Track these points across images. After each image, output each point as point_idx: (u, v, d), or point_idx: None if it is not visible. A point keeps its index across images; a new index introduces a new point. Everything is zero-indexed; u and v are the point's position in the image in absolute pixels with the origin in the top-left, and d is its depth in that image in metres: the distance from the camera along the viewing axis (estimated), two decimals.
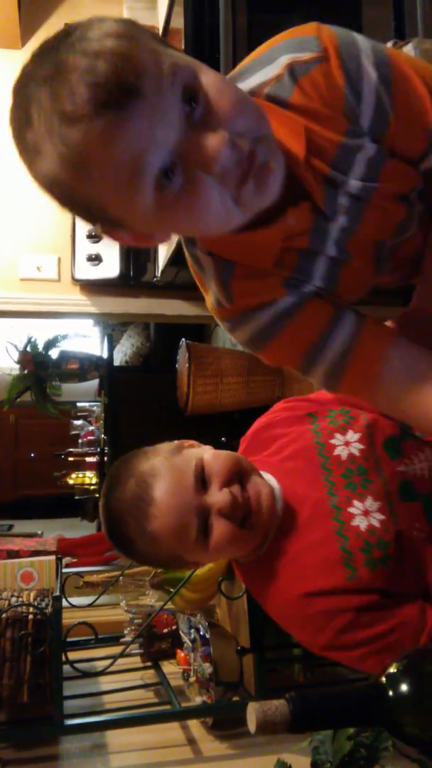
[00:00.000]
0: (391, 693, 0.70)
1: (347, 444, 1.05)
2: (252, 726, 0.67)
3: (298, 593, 0.98)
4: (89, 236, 2.33)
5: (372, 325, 0.88)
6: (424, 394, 0.85)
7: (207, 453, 1.02)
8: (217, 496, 0.97)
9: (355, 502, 1.00)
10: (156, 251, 2.34)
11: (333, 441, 1.06)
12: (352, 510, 0.99)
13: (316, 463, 1.04)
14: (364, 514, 0.99)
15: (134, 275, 2.40)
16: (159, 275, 2.31)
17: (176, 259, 2.10)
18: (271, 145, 0.75)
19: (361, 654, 0.95)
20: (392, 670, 0.72)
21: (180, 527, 0.96)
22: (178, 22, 2.00)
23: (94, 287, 2.45)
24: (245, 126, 0.71)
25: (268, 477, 1.06)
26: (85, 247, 2.34)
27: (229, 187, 0.72)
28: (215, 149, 0.68)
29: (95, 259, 2.34)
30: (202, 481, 0.98)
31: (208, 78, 0.71)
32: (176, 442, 1.06)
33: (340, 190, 0.83)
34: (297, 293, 0.87)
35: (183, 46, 1.86)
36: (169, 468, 0.99)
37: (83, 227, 2.35)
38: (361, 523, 0.98)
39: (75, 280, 2.37)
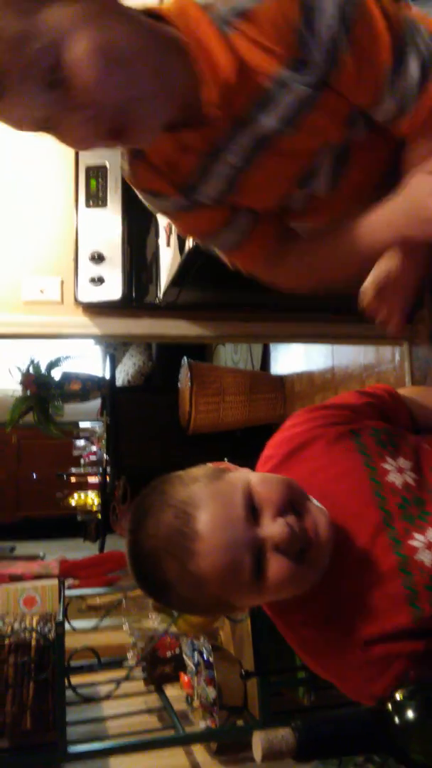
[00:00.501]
0: (396, 720, 0.70)
1: (401, 471, 0.93)
2: (258, 755, 0.66)
3: (355, 639, 0.87)
4: (92, 258, 2.35)
5: (265, 224, 0.96)
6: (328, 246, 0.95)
7: (253, 477, 0.88)
8: (272, 528, 0.83)
9: (416, 535, 0.88)
10: (158, 272, 2.36)
11: (385, 465, 0.93)
12: (413, 543, 0.87)
13: (368, 489, 0.92)
14: (428, 548, 0.87)
15: (137, 297, 2.41)
16: (161, 296, 2.32)
17: (178, 280, 2.11)
18: (146, 106, 0.83)
19: None
20: (398, 696, 0.72)
21: (231, 566, 0.82)
22: None
23: (96, 309, 2.45)
24: (112, 98, 0.79)
25: (315, 502, 0.92)
26: (88, 269, 2.36)
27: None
28: None
29: (98, 281, 2.35)
30: (252, 511, 0.84)
31: (73, 53, 0.77)
32: (211, 465, 0.93)
33: (247, 129, 0.89)
34: (189, 198, 0.98)
35: None
36: (212, 496, 0.85)
37: (86, 249, 2.37)
38: (425, 557, 0.86)
39: (78, 302, 2.38)
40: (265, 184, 0.98)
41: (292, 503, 0.86)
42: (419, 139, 0.94)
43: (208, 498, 0.84)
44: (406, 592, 0.85)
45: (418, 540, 0.88)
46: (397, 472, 0.93)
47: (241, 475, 0.89)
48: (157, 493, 0.88)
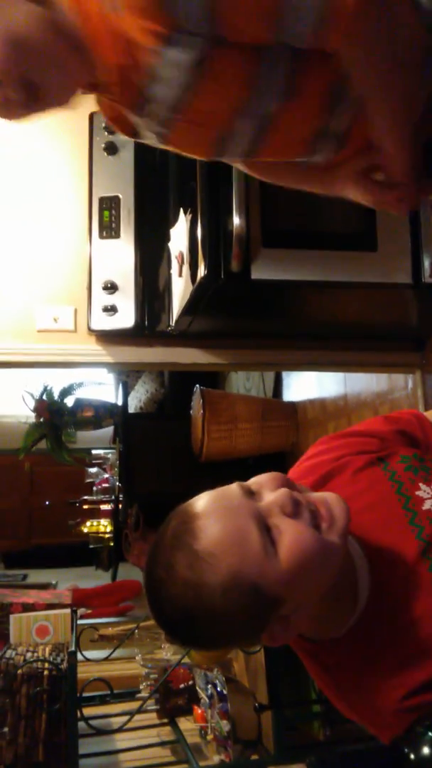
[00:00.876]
0: (412, 756, 0.69)
1: None
2: None
3: (391, 687, 0.80)
4: (105, 288, 2.38)
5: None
6: None
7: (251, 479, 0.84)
8: (272, 495, 0.78)
9: None
10: (170, 301, 2.38)
11: (419, 493, 0.88)
12: None
13: (403, 519, 0.86)
14: None
15: (149, 325, 2.43)
16: (173, 325, 2.34)
17: (190, 309, 2.13)
18: (50, 77, 0.92)
19: None
20: (414, 732, 0.71)
21: (237, 533, 0.75)
22: None
23: (109, 337, 2.47)
24: (16, 71, 0.89)
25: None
26: (101, 298, 2.38)
27: None
28: None
29: (111, 309, 2.37)
30: (249, 493, 0.80)
31: None
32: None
33: (152, 103, 0.95)
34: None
35: None
36: (210, 494, 0.81)
37: (99, 279, 2.39)
38: None
39: (91, 331, 2.40)
40: (189, 149, 1.07)
41: (290, 486, 0.81)
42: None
43: (206, 496, 0.80)
44: None
45: None
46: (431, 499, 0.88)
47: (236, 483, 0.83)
48: (163, 528, 0.82)
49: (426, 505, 0.87)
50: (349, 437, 0.98)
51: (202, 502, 0.80)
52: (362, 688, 0.83)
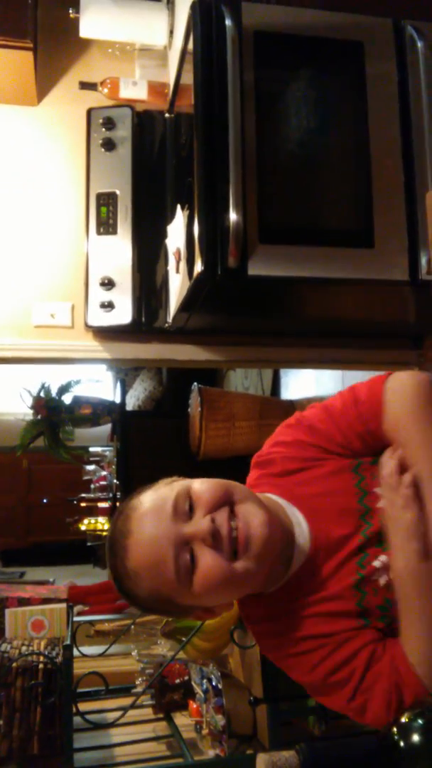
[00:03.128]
0: (402, 744, 0.69)
1: None
2: None
3: (301, 634, 0.93)
4: (102, 284, 2.38)
5: None
6: None
7: (196, 481, 0.93)
8: (198, 524, 0.87)
9: (381, 557, 0.93)
10: (167, 298, 2.38)
11: (378, 490, 0.95)
12: (375, 563, 0.93)
13: (355, 512, 0.94)
14: (385, 569, 0.92)
15: (146, 321, 2.43)
16: (170, 321, 2.34)
17: (187, 305, 2.13)
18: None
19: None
20: (403, 720, 0.71)
21: (154, 560, 0.87)
22: (188, 78, 2.07)
23: (106, 333, 2.48)
24: None
25: (294, 511, 0.96)
26: (98, 294, 2.38)
27: None
28: None
29: (108, 306, 2.37)
30: (188, 510, 0.89)
31: None
32: (175, 477, 0.98)
33: None
34: None
35: (193, 102, 1.92)
36: (152, 499, 0.92)
37: (96, 275, 2.40)
38: (380, 578, 0.92)
39: (88, 327, 2.41)
40: None
41: (228, 502, 0.90)
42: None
43: (147, 501, 0.92)
44: (357, 609, 0.91)
45: (379, 560, 0.92)
46: None
47: (188, 480, 0.94)
48: (121, 504, 0.97)
49: (380, 503, 0.94)
50: (318, 435, 1.02)
51: (139, 512, 0.91)
52: (275, 634, 0.96)
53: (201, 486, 0.91)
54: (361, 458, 0.99)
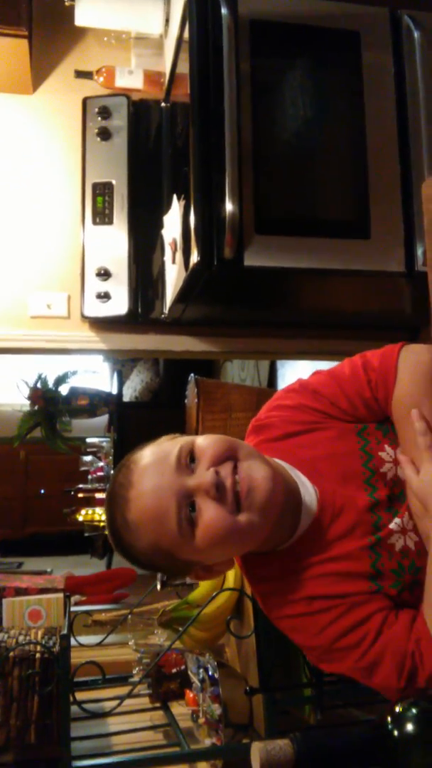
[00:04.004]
0: (396, 733, 0.70)
1: (396, 463, 0.95)
2: (256, 765, 0.66)
3: (309, 594, 0.91)
4: (98, 274, 2.37)
5: None
6: None
7: (200, 438, 0.92)
8: (202, 476, 0.86)
9: (396, 519, 0.92)
10: (164, 288, 2.38)
11: (382, 455, 0.95)
12: (391, 526, 0.92)
13: (360, 476, 0.94)
14: (402, 532, 0.91)
15: (142, 312, 2.43)
16: (166, 312, 2.34)
17: (183, 296, 2.13)
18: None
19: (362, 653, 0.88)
20: (397, 709, 0.72)
21: (157, 511, 0.86)
22: (184, 67, 2.06)
23: (103, 324, 2.47)
24: None
25: (296, 473, 0.95)
26: (94, 285, 2.38)
27: None
28: None
29: (104, 296, 2.37)
30: (189, 463, 0.89)
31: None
32: (177, 433, 0.98)
33: None
34: None
35: (189, 91, 1.91)
36: (154, 452, 0.91)
37: (92, 265, 2.39)
38: (397, 541, 0.91)
39: (84, 317, 2.40)
40: None
41: (232, 457, 0.89)
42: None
43: (150, 453, 0.91)
44: (371, 571, 0.90)
45: (395, 523, 0.91)
46: (392, 464, 0.95)
47: (190, 436, 0.93)
48: (122, 460, 0.95)
49: (384, 468, 0.95)
50: (322, 399, 1.01)
51: (142, 464, 0.90)
52: (281, 593, 0.94)
53: (205, 440, 0.90)
54: (366, 423, 0.98)
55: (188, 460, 0.89)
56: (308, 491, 0.94)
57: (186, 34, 2.03)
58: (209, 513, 0.85)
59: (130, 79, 2.54)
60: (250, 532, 0.88)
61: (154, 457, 0.90)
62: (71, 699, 1.71)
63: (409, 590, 0.91)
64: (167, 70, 2.43)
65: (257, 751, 0.65)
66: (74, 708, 1.76)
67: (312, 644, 0.93)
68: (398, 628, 0.87)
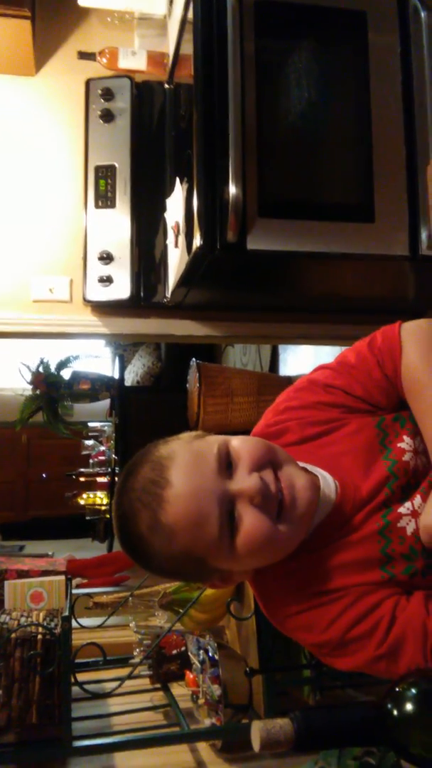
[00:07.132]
0: (395, 712, 0.70)
1: (416, 452, 0.92)
2: (256, 744, 0.66)
3: (316, 588, 0.88)
4: (100, 258, 2.36)
5: None
6: None
7: (234, 438, 0.87)
8: (245, 482, 0.82)
9: (407, 503, 0.90)
10: (166, 272, 2.37)
11: (401, 445, 0.92)
12: (401, 510, 0.89)
13: (382, 467, 0.91)
14: (413, 515, 0.88)
15: (145, 296, 2.42)
16: (169, 296, 2.33)
17: (186, 280, 2.12)
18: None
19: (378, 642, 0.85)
20: (397, 689, 0.72)
21: (198, 515, 0.80)
22: (188, 48, 2.04)
23: (105, 308, 2.47)
24: None
25: (317, 470, 0.92)
26: (96, 269, 2.37)
27: None
28: None
29: (107, 280, 2.36)
30: (227, 466, 0.84)
31: None
32: (200, 431, 0.91)
33: None
34: None
35: (192, 73, 1.89)
36: (189, 450, 0.85)
37: (95, 249, 2.38)
38: (408, 525, 0.88)
39: (86, 301, 2.40)
40: None
41: (271, 462, 0.85)
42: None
43: (185, 452, 0.85)
44: (381, 557, 0.87)
45: (405, 507, 0.89)
46: (412, 453, 0.92)
47: (223, 436, 0.88)
48: (141, 453, 0.88)
49: (406, 457, 0.92)
50: (337, 391, 0.98)
51: (177, 463, 0.84)
52: (287, 591, 0.91)
53: (243, 444, 0.86)
54: (384, 415, 0.96)
55: (225, 463, 0.84)
56: (328, 483, 0.92)
57: (190, 15, 2.00)
58: (251, 520, 0.81)
59: (134, 61, 2.51)
60: (288, 541, 0.85)
61: (191, 456, 0.84)
62: (72, 680, 1.73)
63: (422, 575, 0.88)
64: (171, 51, 2.41)
65: (257, 729, 0.65)
66: (75, 689, 1.78)
67: (322, 640, 0.89)
68: (413, 608, 0.85)
